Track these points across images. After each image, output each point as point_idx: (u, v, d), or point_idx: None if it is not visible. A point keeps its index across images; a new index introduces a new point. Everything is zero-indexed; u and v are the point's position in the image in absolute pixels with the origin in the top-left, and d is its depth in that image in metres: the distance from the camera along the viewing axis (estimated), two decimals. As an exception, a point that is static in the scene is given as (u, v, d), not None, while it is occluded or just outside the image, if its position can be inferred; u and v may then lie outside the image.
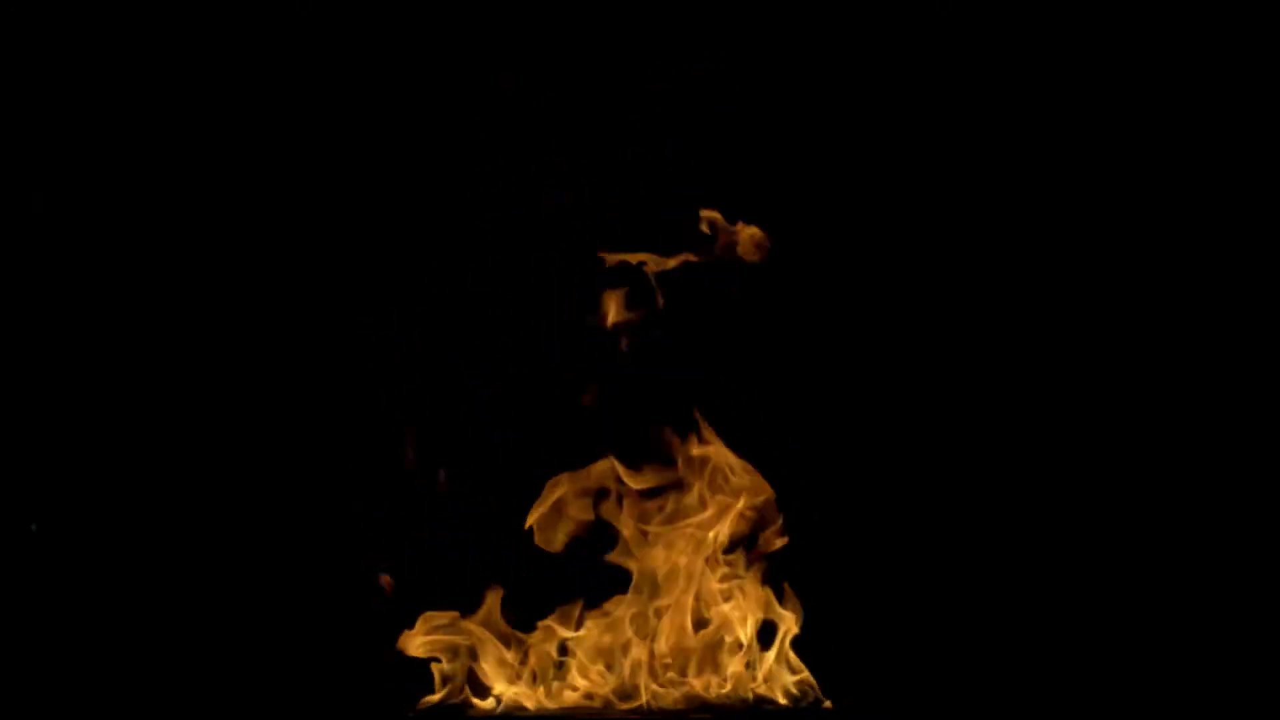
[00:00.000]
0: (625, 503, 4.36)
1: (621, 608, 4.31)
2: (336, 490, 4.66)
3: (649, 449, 4.40)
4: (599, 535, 4.38)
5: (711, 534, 4.32)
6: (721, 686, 4.25)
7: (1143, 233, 4.64)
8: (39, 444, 4.62)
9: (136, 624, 4.59)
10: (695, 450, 4.37)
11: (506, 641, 4.29)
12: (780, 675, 4.28)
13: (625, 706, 4.23)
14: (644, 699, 4.22)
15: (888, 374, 4.69)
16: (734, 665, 4.27)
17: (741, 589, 4.31)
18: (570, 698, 4.25)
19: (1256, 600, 4.53)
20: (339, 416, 4.68)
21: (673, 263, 4.47)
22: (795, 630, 4.30)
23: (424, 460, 4.62)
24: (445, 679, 4.27)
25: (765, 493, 4.35)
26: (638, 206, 4.66)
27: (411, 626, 4.32)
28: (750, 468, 4.37)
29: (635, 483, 4.34)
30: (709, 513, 4.33)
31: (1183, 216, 4.63)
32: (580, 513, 4.35)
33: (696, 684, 4.23)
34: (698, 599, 4.29)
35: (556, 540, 4.36)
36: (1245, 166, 4.61)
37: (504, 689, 4.26)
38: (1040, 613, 4.59)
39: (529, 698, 4.25)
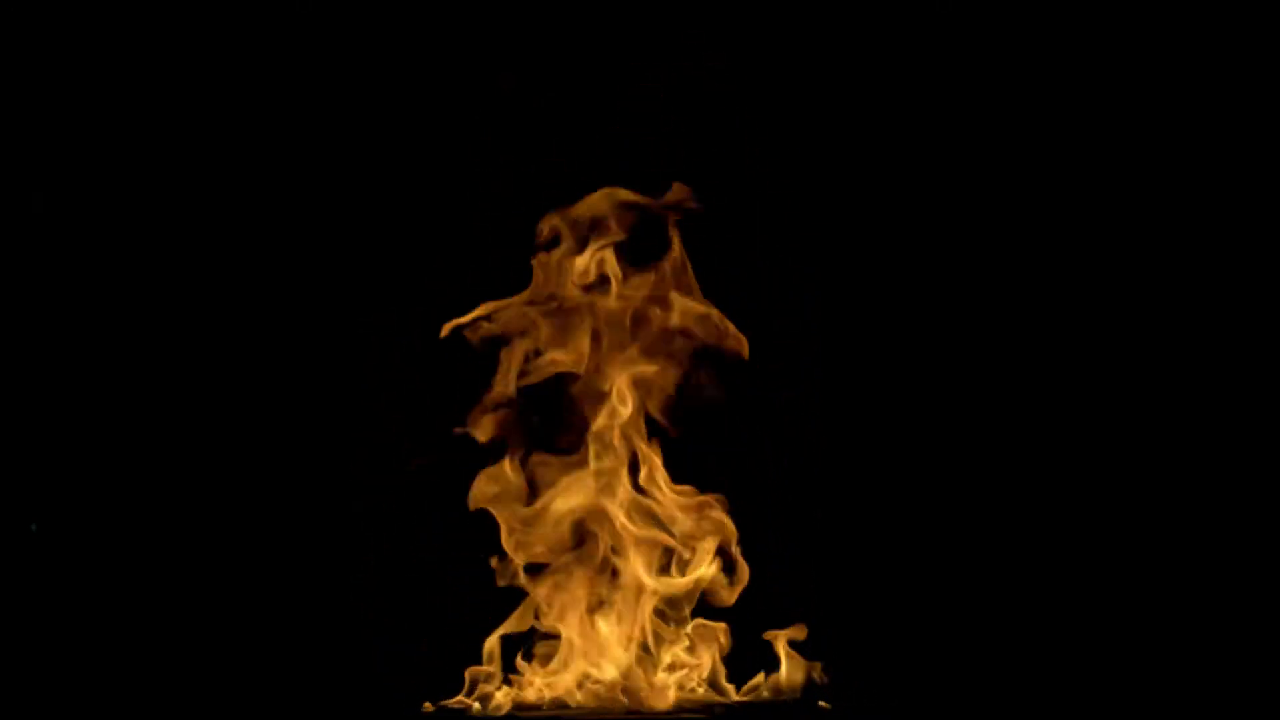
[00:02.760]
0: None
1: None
2: (337, 490, 4.67)
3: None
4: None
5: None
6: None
7: (1143, 233, 4.65)
8: (39, 444, 4.62)
9: (137, 624, 4.59)
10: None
11: None
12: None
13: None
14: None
15: (887, 373, 4.70)
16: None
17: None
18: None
19: (1257, 600, 4.54)
20: (339, 415, 4.69)
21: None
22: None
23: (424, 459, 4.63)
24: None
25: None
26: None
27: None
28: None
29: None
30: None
31: (1181, 217, 4.64)
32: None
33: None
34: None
35: None
36: (1246, 166, 4.62)
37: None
38: (1040, 612, 4.60)
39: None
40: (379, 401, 4.69)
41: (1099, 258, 4.65)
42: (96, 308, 4.66)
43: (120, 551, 4.62)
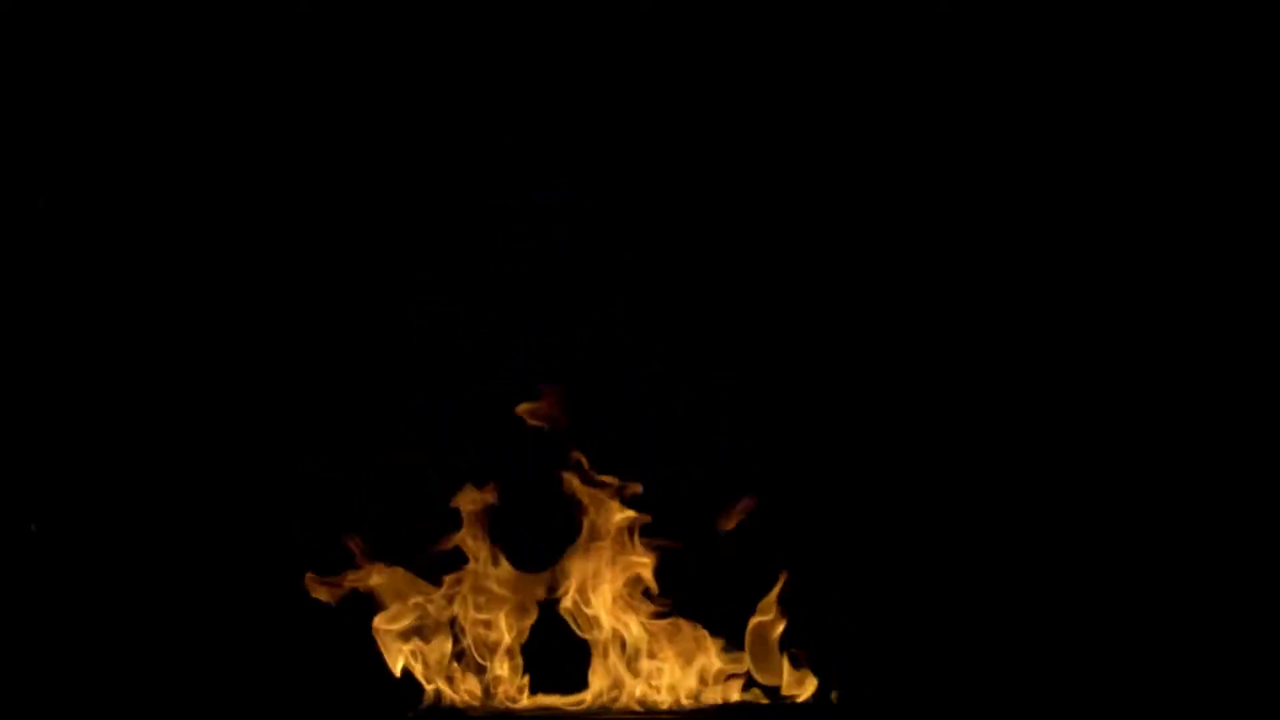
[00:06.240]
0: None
1: None
2: (337, 491, 4.67)
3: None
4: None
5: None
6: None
7: (1140, 233, 4.64)
8: (39, 444, 4.63)
9: (137, 624, 4.60)
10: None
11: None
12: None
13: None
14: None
15: (883, 373, 4.70)
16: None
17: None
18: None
19: (1256, 600, 4.53)
20: (338, 416, 4.69)
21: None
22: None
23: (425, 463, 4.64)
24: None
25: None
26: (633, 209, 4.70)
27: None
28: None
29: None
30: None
31: (1181, 217, 4.63)
32: None
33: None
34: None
35: None
36: (1245, 166, 4.61)
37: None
38: (1037, 613, 4.60)
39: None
40: (377, 403, 4.70)
41: (1093, 259, 4.65)
42: (98, 308, 4.66)
43: (120, 551, 4.62)
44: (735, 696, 4.33)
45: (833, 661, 4.43)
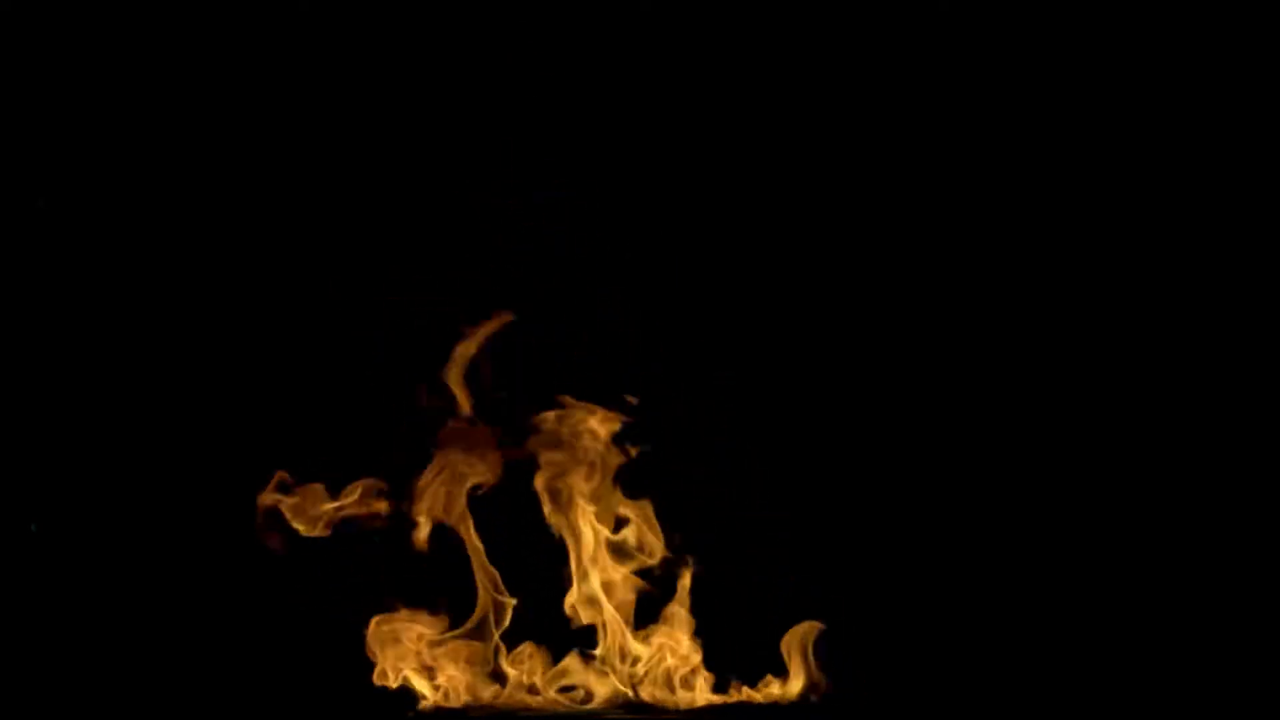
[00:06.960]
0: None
1: None
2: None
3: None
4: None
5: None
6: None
7: (1140, 233, 4.65)
8: (39, 444, 4.63)
9: (136, 624, 4.60)
10: None
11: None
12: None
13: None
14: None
15: (882, 372, 4.70)
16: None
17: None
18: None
19: (1256, 600, 4.53)
20: (338, 416, 4.69)
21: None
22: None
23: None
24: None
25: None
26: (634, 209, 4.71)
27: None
28: None
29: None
30: None
31: (1181, 217, 4.64)
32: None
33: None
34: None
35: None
36: (1245, 166, 4.61)
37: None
38: (1036, 614, 4.61)
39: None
40: (375, 404, 4.70)
41: (1093, 260, 4.66)
42: (98, 308, 4.66)
43: (120, 551, 4.62)
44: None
45: (833, 661, 4.44)
